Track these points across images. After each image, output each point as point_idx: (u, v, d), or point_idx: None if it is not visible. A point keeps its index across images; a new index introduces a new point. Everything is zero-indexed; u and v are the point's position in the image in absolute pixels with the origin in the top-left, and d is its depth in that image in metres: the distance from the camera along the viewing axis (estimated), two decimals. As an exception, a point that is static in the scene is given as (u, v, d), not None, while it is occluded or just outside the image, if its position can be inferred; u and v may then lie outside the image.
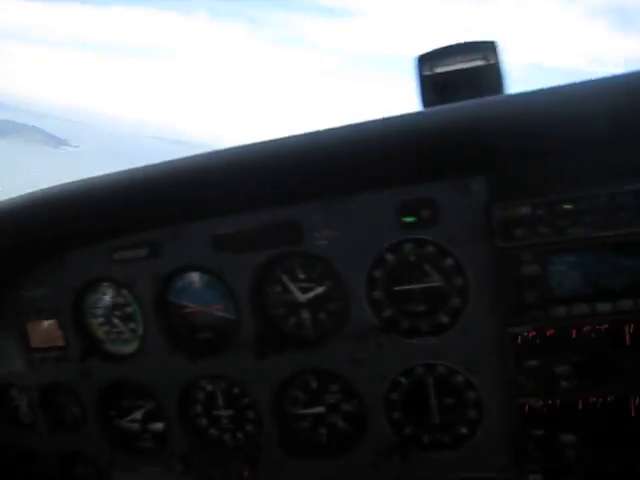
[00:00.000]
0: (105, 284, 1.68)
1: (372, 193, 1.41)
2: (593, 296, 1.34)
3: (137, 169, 1.47)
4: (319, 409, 1.58)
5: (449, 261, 1.44)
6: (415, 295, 1.48)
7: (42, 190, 1.53)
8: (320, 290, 1.52)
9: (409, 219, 1.41)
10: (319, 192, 1.41)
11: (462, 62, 1.60)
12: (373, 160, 1.36)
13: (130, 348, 1.70)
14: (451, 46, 1.66)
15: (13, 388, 1.84)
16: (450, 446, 1.51)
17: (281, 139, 1.38)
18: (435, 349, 1.46)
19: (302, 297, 1.54)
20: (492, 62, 1.60)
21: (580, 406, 1.36)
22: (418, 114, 1.40)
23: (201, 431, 1.68)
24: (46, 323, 1.72)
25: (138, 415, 1.75)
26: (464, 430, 1.51)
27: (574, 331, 1.35)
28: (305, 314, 1.56)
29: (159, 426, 1.72)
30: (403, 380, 1.52)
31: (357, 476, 1.53)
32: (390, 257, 1.46)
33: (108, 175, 1.46)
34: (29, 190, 1.49)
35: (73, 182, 1.50)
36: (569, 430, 1.37)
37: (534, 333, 1.37)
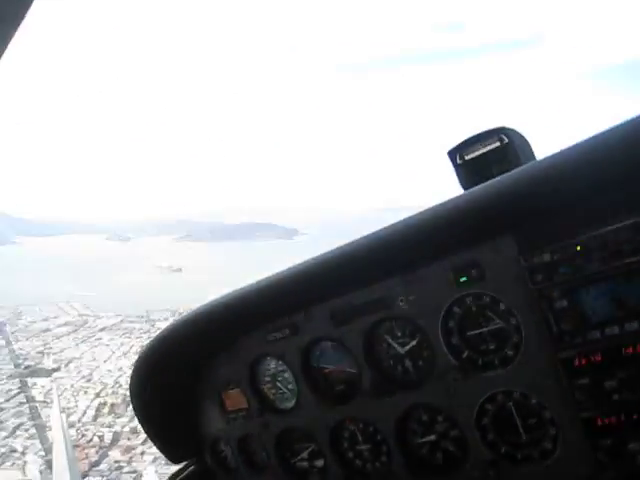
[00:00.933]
0: (267, 358, 2.19)
1: (434, 263, 1.79)
2: (622, 318, 1.54)
3: (279, 275, 1.93)
4: (432, 437, 1.91)
5: (501, 306, 1.75)
6: (483, 337, 1.80)
7: (220, 297, 2.02)
8: (414, 342, 1.90)
9: (463, 278, 1.77)
10: (397, 270, 1.82)
11: (483, 147, 1.93)
12: (433, 240, 1.73)
13: (291, 403, 2.18)
14: (471, 137, 1.98)
15: (221, 442, 2.39)
16: (538, 460, 1.74)
17: (369, 236, 1.78)
18: (506, 378, 1.74)
19: (402, 350, 1.93)
20: (506, 142, 1.89)
21: (636, 416, 1.53)
22: (458, 197, 1.73)
23: (349, 463, 2.08)
24: (233, 392, 2.28)
25: (305, 454, 2.20)
26: (548, 445, 1.73)
27: (614, 350, 1.54)
28: (407, 362, 1.93)
29: (321, 462, 2.16)
30: (488, 407, 1.80)
31: None
32: (457, 310, 1.81)
33: (264, 280, 1.95)
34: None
35: (241, 289, 1.98)
36: (634, 438, 1.54)
37: (578, 356, 1.59)
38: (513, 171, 1.63)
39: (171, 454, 2.41)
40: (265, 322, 2.13)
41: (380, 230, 1.79)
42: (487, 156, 1.94)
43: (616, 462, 1.55)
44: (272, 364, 2.22)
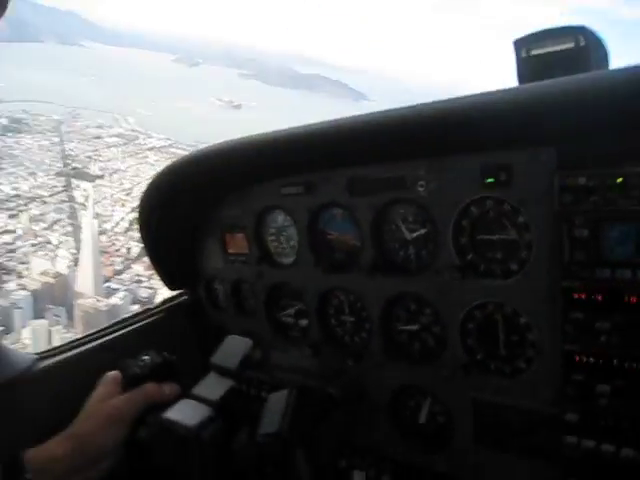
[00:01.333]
0: (276, 211, 2.17)
1: (463, 155, 1.69)
2: (638, 265, 1.48)
3: (302, 127, 1.90)
4: (415, 327, 1.90)
5: (520, 218, 1.68)
6: (493, 244, 1.74)
7: (241, 138, 2.00)
8: (422, 231, 1.83)
9: (489, 179, 1.67)
10: (424, 152, 1.74)
11: (554, 45, 1.77)
12: (468, 129, 1.62)
13: (289, 260, 2.17)
14: (545, 30, 1.83)
15: (216, 280, 2.42)
16: (509, 376, 1.74)
17: (401, 109, 1.70)
18: (503, 290, 1.71)
19: (409, 236, 1.87)
20: (582, 45, 1.73)
21: (615, 362, 1.52)
22: (506, 91, 1.60)
23: (330, 329, 2.10)
24: (237, 235, 2.29)
25: (292, 312, 2.21)
26: (522, 365, 1.73)
27: (617, 293, 1.50)
28: (411, 249, 1.88)
29: (304, 322, 2.17)
30: (477, 313, 1.78)
31: (432, 384, 1.84)
32: (474, 210, 1.73)
33: (285, 130, 1.91)
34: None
35: (263, 134, 1.96)
36: (604, 381, 1.53)
37: (581, 289, 1.56)
38: (577, 75, 1.49)
39: (168, 281, 2.48)
40: (281, 175, 2.06)
41: (419, 105, 1.65)
42: (555, 56, 1.77)
43: (581, 398, 1.57)
44: (280, 217, 2.19)
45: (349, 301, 2.07)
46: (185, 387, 1.58)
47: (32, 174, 74.77)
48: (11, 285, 47.10)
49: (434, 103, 1.65)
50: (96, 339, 2.10)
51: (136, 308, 2.37)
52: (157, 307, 2.38)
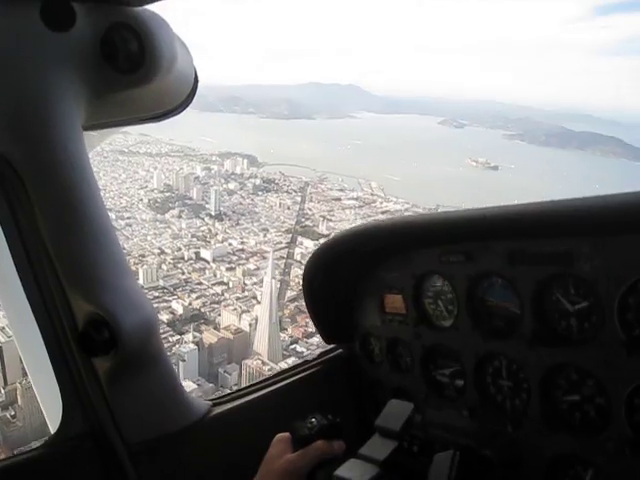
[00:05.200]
0: (435, 276, 2.23)
1: (629, 235, 1.72)
2: None
3: (460, 212, 1.99)
4: (576, 397, 1.88)
5: None
6: None
7: (409, 216, 2.33)
8: (585, 304, 1.84)
9: None
10: (590, 232, 1.76)
11: None
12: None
13: (447, 323, 2.22)
14: None
15: (372, 336, 2.52)
16: None
17: (567, 200, 1.73)
18: None
19: (571, 307, 1.89)
20: None
21: None
22: None
23: (487, 392, 2.10)
24: (395, 296, 2.36)
25: (447, 372, 2.25)
26: None
27: None
28: (572, 321, 1.88)
29: (460, 383, 2.20)
30: None
31: (596, 456, 1.78)
32: None
33: (443, 213, 2.03)
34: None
35: (423, 214, 2.22)
36: None
37: None
38: None
39: (325, 335, 2.62)
40: (442, 244, 2.14)
41: (587, 198, 1.67)
42: None
43: None
44: (439, 282, 2.24)
45: (507, 366, 2.05)
46: (345, 441, 1.72)
47: (264, 230, 78.84)
48: (188, 337, 47.72)
49: (611, 197, 1.62)
50: (261, 388, 2.26)
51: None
52: (315, 359, 2.53)
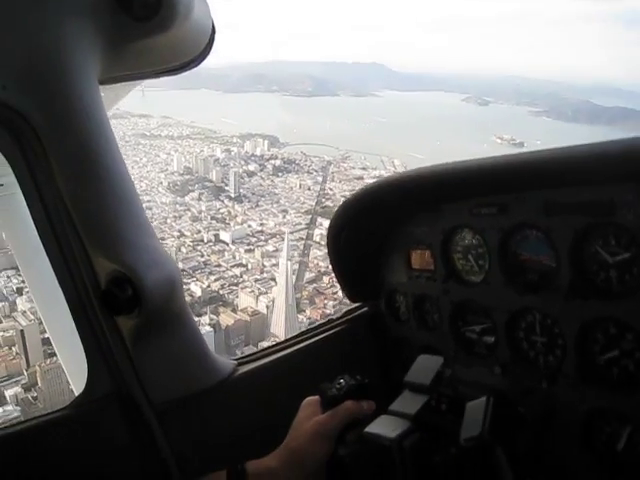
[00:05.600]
0: (466, 230, 2.18)
1: None
2: None
3: (491, 158, 1.90)
4: (615, 353, 1.79)
5: None
6: None
7: (437, 165, 2.04)
8: (627, 255, 1.74)
9: None
10: (634, 177, 1.67)
11: None
12: None
13: (477, 278, 2.17)
14: None
15: (397, 293, 2.47)
16: None
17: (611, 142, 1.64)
18: None
19: (610, 259, 1.79)
20: None
21: None
22: None
23: (520, 349, 2.04)
24: (423, 252, 2.33)
25: (477, 329, 2.20)
26: None
27: None
28: (612, 272, 1.78)
29: (491, 339, 2.15)
30: None
31: (634, 412, 1.73)
32: None
33: (478, 160, 1.92)
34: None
35: (453, 163, 1.99)
36: None
37: None
38: None
39: (350, 293, 2.57)
40: (474, 196, 2.07)
41: (625, 140, 1.59)
42: None
43: None
44: (469, 236, 2.19)
45: (541, 321, 2.00)
46: (375, 401, 1.70)
47: (283, 211, 78.68)
48: (204, 319, 47.95)
49: None
50: (286, 347, 2.22)
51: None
52: (340, 318, 2.46)
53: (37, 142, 1.58)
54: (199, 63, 1.96)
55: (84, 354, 1.80)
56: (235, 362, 2.10)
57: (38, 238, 1.71)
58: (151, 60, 1.86)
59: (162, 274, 1.69)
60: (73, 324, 1.77)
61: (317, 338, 2.34)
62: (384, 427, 1.54)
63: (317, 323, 2.44)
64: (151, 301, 1.64)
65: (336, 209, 2.40)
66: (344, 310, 2.56)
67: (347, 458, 1.60)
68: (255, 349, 2.28)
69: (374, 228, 2.43)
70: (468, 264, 2.22)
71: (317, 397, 1.74)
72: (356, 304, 2.60)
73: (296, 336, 2.34)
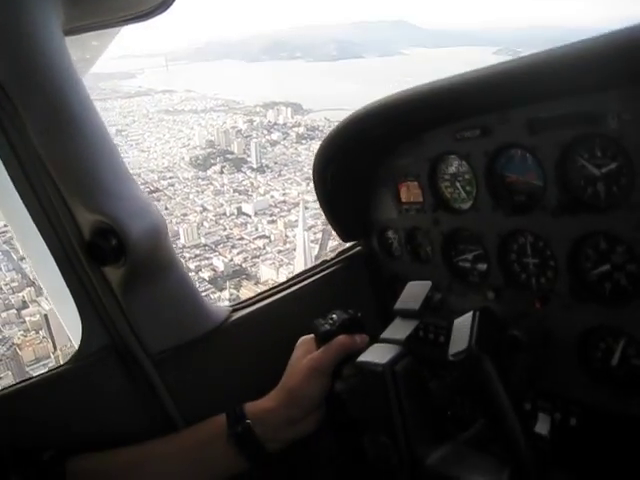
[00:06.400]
0: (451, 157, 2.12)
1: None
2: None
3: (473, 72, 1.78)
4: (606, 267, 1.77)
5: None
6: None
7: (416, 87, 1.93)
8: (613, 166, 1.70)
9: None
10: (616, 83, 1.59)
11: None
12: None
13: (466, 205, 2.13)
14: None
15: (389, 230, 2.46)
16: None
17: (588, 39, 1.50)
18: None
19: (597, 172, 1.74)
20: None
21: None
22: None
23: (512, 273, 2.01)
24: (410, 184, 2.29)
25: (469, 257, 2.18)
26: None
27: None
28: (600, 186, 1.74)
29: (483, 266, 2.12)
30: None
31: (628, 325, 1.71)
32: None
33: (454, 77, 1.80)
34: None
35: (432, 82, 1.87)
36: None
37: None
38: None
39: (342, 233, 2.55)
40: (456, 119, 2.01)
41: (610, 33, 1.48)
42: None
43: None
44: (455, 163, 2.14)
45: (532, 243, 1.98)
46: (371, 337, 1.71)
47: (307, 179, 77.56)
48: (225, 294, 47.65)
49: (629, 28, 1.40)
50: (281, 291, 2.22)
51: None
52: (333, 259, 2.47)
53: (6, 99, 1.57)
54: (168, 6, 1.85)
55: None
56: (229, 308, 2.10)
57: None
58: (116, 5, 1.79)
59: (146, 223, 1.69)
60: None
61: (311, 280, 2.32)
62: (376, 354, 1.54)
63: (311, 265, 2.43)
64: (136, 250, 1.65)
65: (321, 142, 2.27)
66: (337, 250, 2.54)
67: (344, 394, 1.62)
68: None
69: (359, 164, 2.35)
70: (456, 192, 2.16)
71: (312, 335, 1.75)
72: (349, 244, 2.57)
73: (290, 279, 2.32)
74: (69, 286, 1.80)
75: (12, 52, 1.51)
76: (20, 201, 1.74)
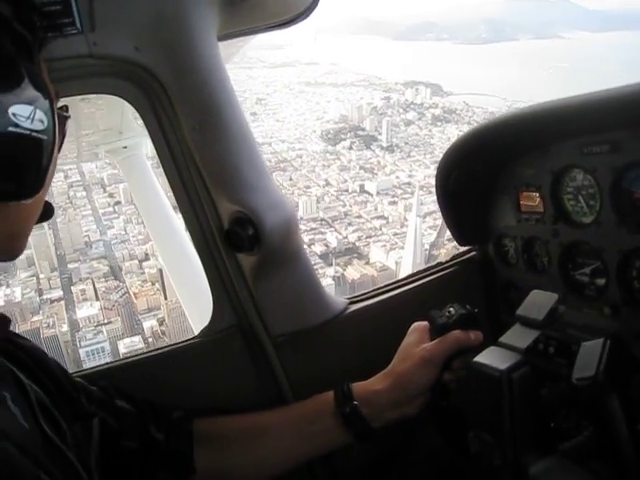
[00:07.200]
0: (576, 170, 2.08)
1: None
2: None
3: (605, 91, 1.73)
4: None
5: None
6: None
7: (544, 103, 1.93)
8: None
9: None
10: None
11: None
12: None
13: (588, 219, 2.09)
14: None
15: (506, 237, 2.44)
16: None
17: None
18: None
19: None
20: None
21: None
22: None
23: (632, 290, 1.94)
24: (532, 194, 2.27)
25: (587, 271, 2.13)
26: None
27: None
28: None
29: (602, 281, 2.06)
30: None
31: None
32: None
33: (586, 95, 1.81)
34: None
35: (567, 98, 1.86)
36: None
37: None
38: None
39: (459, 237, 2.51)
40: (584, 134, 1.94)
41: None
42: None
43: None
44: (579, 177, 2.06)
45: None
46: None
47: (436, 162, 75.47)
48: (330, 271, 47.95)
49: None
50: (395, 288, 2.26)
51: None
52: (448, 262, 2.47)
53: (165, 96, 1.74)
54: (308, 15, 1.99)
55: (203, 294, 2.03)
56: (347, 300, 2.19)
57: (157, 193, 2.09)
58: (264, 14, 1.93)
59: (280, 215, 1.79)
60: (191, 270, 2.18)
61: (425, 280, 2.32)
62: (493, 358, 1.52)
63: (426, 266, 2.41)
64: (270, 240, 1.77)
65: (444, 151, 2.21)
66: (452, 254, 2.55)
67: (452, 384, 1.65)
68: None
69: (482, 170, 2.29)
70: (578, 205, 2.09)
71: (425, 323, 1.76)
72: (464, 248, 2.52)
73: (405, 278, 2.31)
74: (205, 269, 1.96)
75: (175, 56, 1.68)
76: (154, 196, 1.93)
